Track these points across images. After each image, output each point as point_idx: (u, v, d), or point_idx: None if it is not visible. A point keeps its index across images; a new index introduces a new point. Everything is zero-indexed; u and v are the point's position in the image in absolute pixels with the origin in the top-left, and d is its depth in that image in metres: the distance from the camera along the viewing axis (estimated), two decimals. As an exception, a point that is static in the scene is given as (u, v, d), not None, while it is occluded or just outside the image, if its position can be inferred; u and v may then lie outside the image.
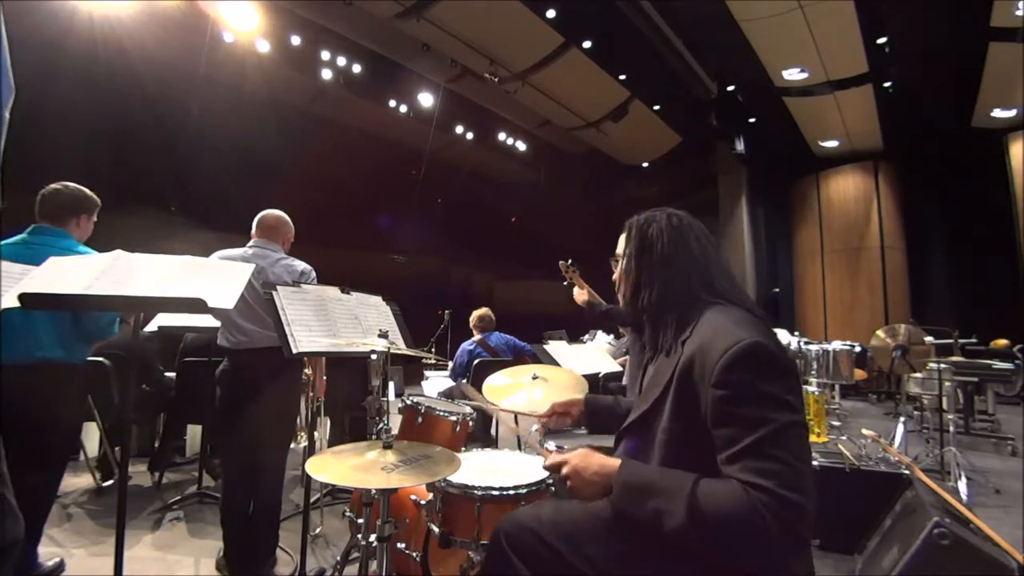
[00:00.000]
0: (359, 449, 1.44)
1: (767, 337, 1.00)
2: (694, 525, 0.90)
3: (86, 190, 2.28)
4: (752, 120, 9.01)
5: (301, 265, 2.36)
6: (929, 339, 5.35)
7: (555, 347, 3.47)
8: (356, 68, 7.22)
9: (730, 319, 1.05)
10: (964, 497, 3.24)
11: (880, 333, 5.80)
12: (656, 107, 8.53)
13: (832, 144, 9.13)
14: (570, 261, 2.83)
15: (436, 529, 1.60)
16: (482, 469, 1.77)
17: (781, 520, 0.85)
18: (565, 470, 1.11)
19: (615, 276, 1.34)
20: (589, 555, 1.11)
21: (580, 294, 2.83)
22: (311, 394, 2.74)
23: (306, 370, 2.71)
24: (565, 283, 2.88)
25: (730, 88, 8.18)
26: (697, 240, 1.20)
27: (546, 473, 1.67)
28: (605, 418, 1.50)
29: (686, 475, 0.96)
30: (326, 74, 7.11)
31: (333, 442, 3.92)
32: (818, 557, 2.51)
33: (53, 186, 2.21)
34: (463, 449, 2.10)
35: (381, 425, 1.63)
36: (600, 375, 3.66)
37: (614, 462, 1.07)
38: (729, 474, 0.92)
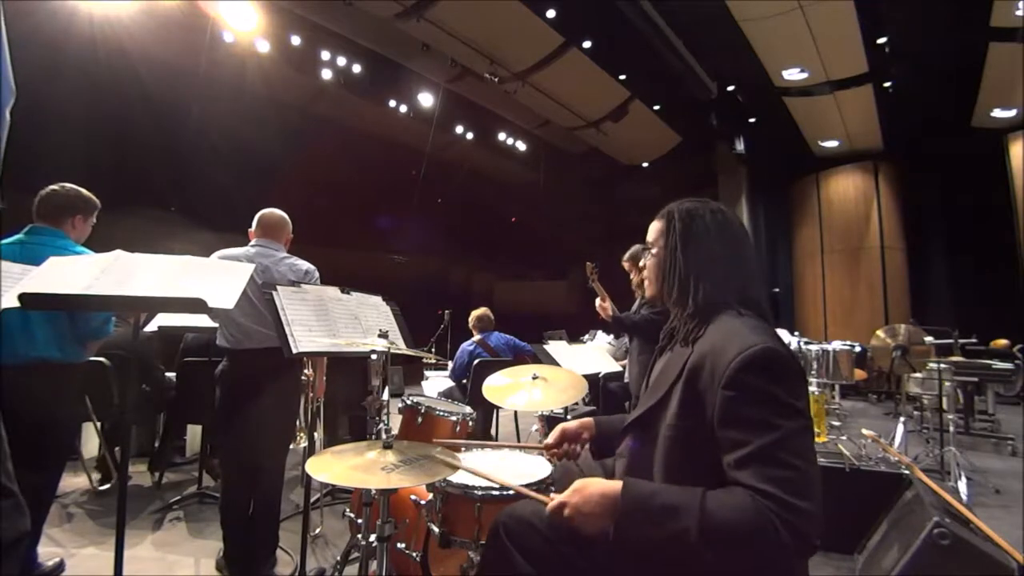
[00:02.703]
0: (359, 449, 1.44)
1: (779, 344, 1.00)
2: (706, 543, 0.88)
3: (83, 191, 2.28)
4: (752, 120, 9.00)
5: (305, 264, 2.36)
6: (929, 339, 5.34)
7: (555, 347, 3.47)
8: (356, 68, 7.22)
9: (745, 325, 1.05)
10: (964, 497, 3.23)
11: (880, 333, 5.79)
12: (656, 107, 8.53)
13: (832, 144, 9.13)
14: (595, 264, 2.92)
15: (436, 529, 1.60)
16: (482, 469, 1.77)
17: (791, 527, 0.85)
18: (567, 512, 1.04)
19: (645, 264, 1.30)
20: (587, 551, 1.11)
21: (605, 307, 2.89)
22: (311, 394, 2.74)
23: (306, 371, 2.71)
24: (589, 284, 2.95)
25: (730, 88, 8.17)
26: (742, 239, 1.19)
27: (546, 473, 1.67)
28: (611, 440, 1.39)
29: (692, 491, 0.94)
30: (326, 74, 7.10)
31: (327, 445, 3.92)
32: (818, 557, 2.51)
33: (50, 187, 2.22)
34: (463, 449, 2.10)
35: (381, 425, 1.63)
36: (600, 375, 3.67)
37: (614, 487, 1.01)
38: (737, 480, 0.92)
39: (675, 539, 0.90)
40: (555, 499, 1.07)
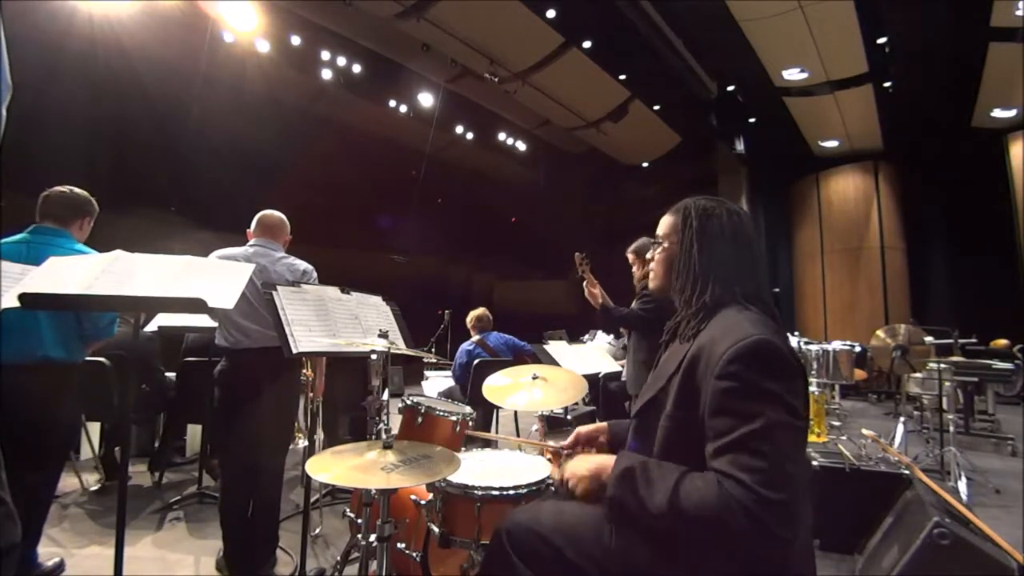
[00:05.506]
0: (359, 449, 1.44)
1: (778, 338, 0.99)
2: (673, 514, 0.91)
3: (88, 194, 2.31)
4: (752, 120, 9.00)
5: (303, 265, 2.36)
6: (929, 339, 5.34)
7: (555, 347, 3.47)
8: (356, 68, 7.22)
9: (746, 319, 1.04)
10: (964, 497, 3.23)
11: (880, 333, 5.80)
12: (656, 107, 8.53)
13: (832, 144, 9.13)
14: (584, 254, 2.85)
15: (436, 529, 1.60)
16: (482, 469, 1.77)
17: (751, 515, 0.84)
18: (570, 482, 1.11)
19: (653, 256, 1.29)
20: (590, 554, 1.11)
21: (595, 295, 2.82)
22: (311, 394, 2.74)
23: (306, 371, 2.71)
24: (579, 276, 2.89)
25: (730, 88, 8.18)
26: (754, 242, 1.19)
27: (546, 472, 1.67)
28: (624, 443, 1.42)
29: (675, 469, 0.98)
30: (326, 74, 7.11)
31: (327, 445, 3.91)
32: (818, 557, 2.49)
33: (59, 188, 2.23)
34: (463, 449, 2.10)
35: (381, 425, 1.63)
36: (600, 375, 3.67)
37: (610, 459, 1.08)
38: (712, 467, 0.92)
39: (651, 512, 0.94)
40: (558, 472, 1.17)
